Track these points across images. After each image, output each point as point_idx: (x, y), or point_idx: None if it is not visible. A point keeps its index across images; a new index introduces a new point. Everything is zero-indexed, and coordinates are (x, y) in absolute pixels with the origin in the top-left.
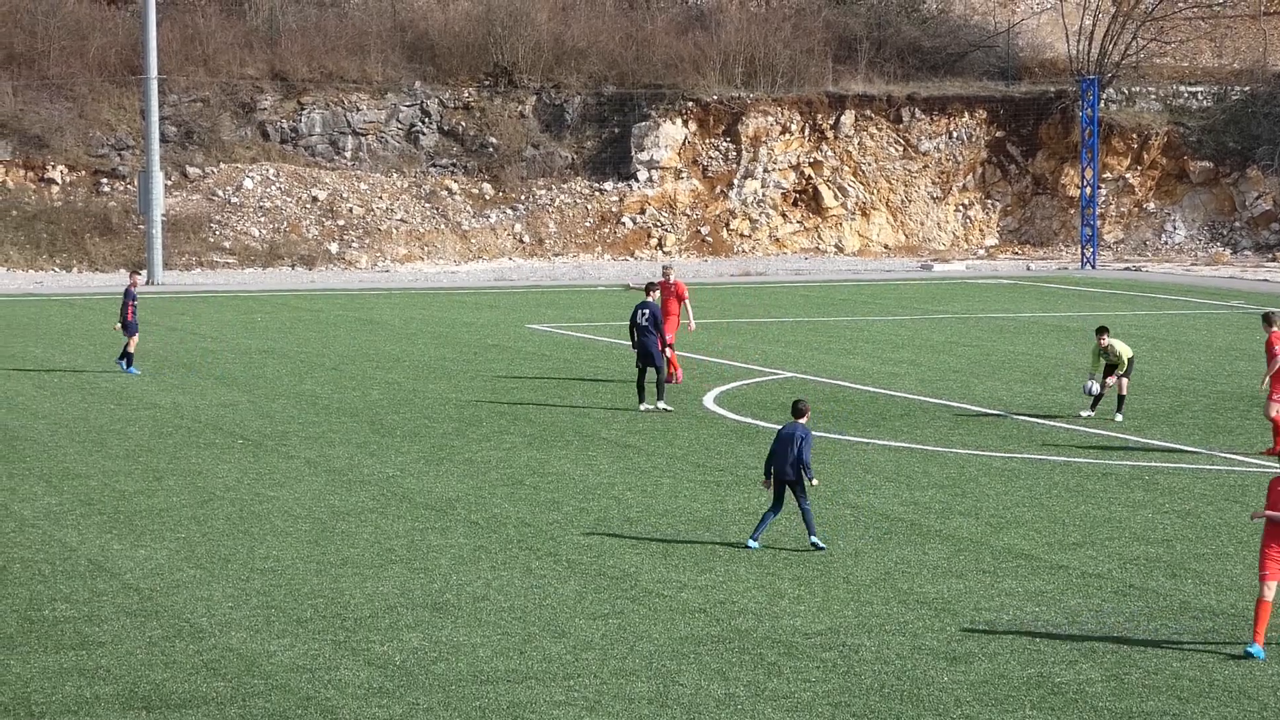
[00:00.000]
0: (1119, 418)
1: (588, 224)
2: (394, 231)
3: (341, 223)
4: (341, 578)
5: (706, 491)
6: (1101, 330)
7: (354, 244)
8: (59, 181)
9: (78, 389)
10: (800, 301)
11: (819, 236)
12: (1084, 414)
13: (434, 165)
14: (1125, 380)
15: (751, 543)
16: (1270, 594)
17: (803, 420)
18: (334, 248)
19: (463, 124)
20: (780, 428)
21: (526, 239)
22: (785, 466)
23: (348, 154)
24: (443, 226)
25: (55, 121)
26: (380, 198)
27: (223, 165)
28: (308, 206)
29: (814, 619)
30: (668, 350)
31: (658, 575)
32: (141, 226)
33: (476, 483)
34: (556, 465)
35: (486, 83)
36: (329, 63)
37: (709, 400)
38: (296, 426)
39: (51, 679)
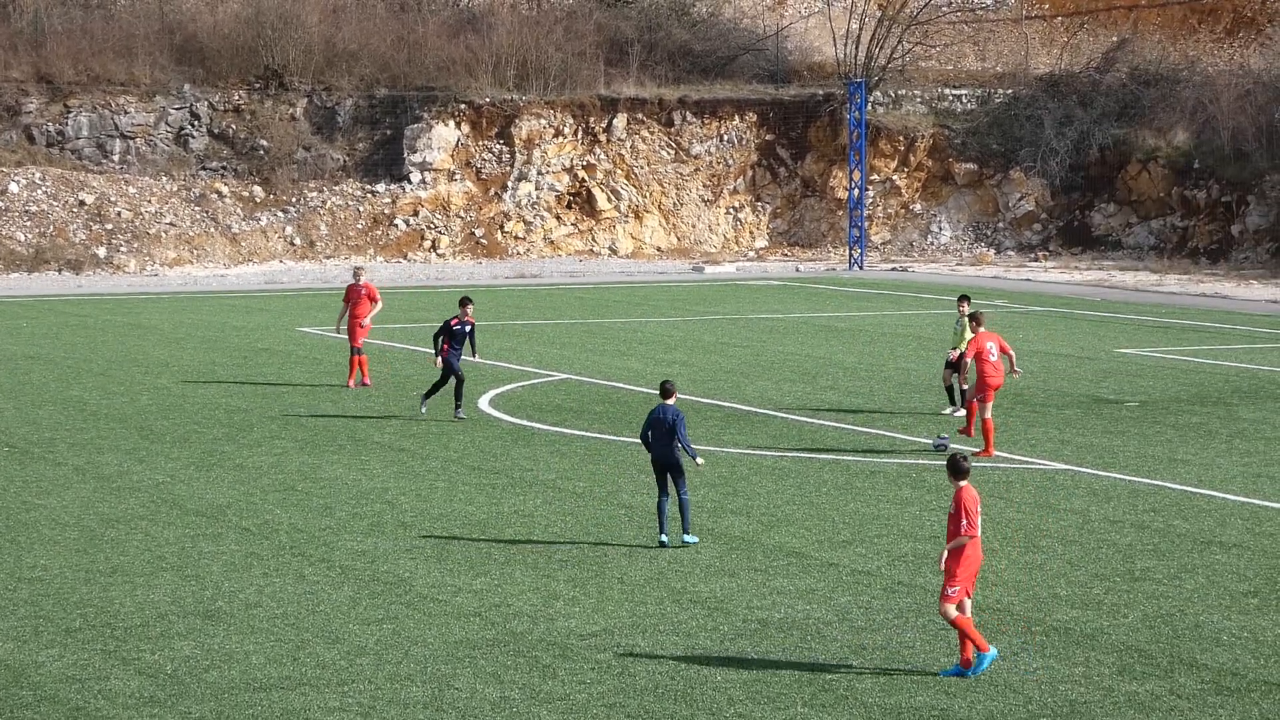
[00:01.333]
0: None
1: (360, 226)
2: (163, 235)
3: (110, 226)
4: (111, 586)
5: (482, 494)
6: (963, 298)
7: (122, 248)
8: None
9: None
10: (575, 303)
11: (593, 239)
12: (947, 411)
13: (204, 168)
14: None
15: (663, 539)
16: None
17: (671, 401)
18: (102, 252)
19: (233, 126)
20: (651, 411)
21: (298, 241)
22: (667, 450)
23: (116, 157)
24: (213, 230)
25: None
26: (149, 201)
27: None
28: (75, 210)
29: (589, 620)
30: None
31: (432, 579)
32: None
33: (248, 489)
34: (329, 470)
35: (257, 85)
36: (96, 65)
37: (484, 403)
38: (64, 433)
39: None
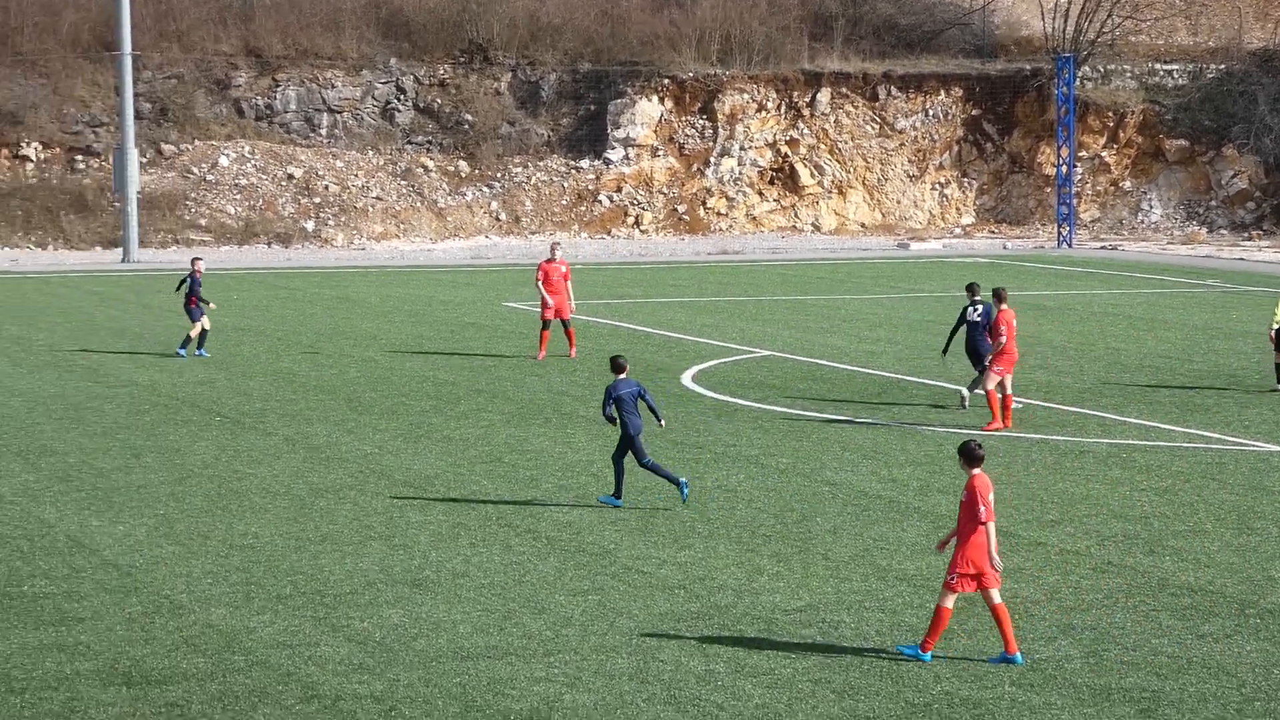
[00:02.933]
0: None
1: (564, 202)
2: (370, 209)
3: (317, 200)
4: (321, 554)
5: (684, 468)
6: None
7: (330, 222)
8: (33, 159)
9: (53, 366)
10: (777, 280)
11: (795, 215)
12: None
13: (409, 143)
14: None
15: (611, 502)
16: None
17: (625, 375)
18: (310, 225)
19: (438, 101)
20: (617, 390)
21: (503, 216)
22: (639, 422)
23: (323, 131)
24: (419, 204)
25: (29, 98)
26: (356, 175)
27: (198, 142)
28: (283, 184)
29: (793, 595)
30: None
31: (637, 552)
32: (117, 204)
33: (455, 460)
34: (535, 443)
35: (462, 59)
36: (304, 39)
37: (687, 379)
38: (274, 404)
39: (31, 655)
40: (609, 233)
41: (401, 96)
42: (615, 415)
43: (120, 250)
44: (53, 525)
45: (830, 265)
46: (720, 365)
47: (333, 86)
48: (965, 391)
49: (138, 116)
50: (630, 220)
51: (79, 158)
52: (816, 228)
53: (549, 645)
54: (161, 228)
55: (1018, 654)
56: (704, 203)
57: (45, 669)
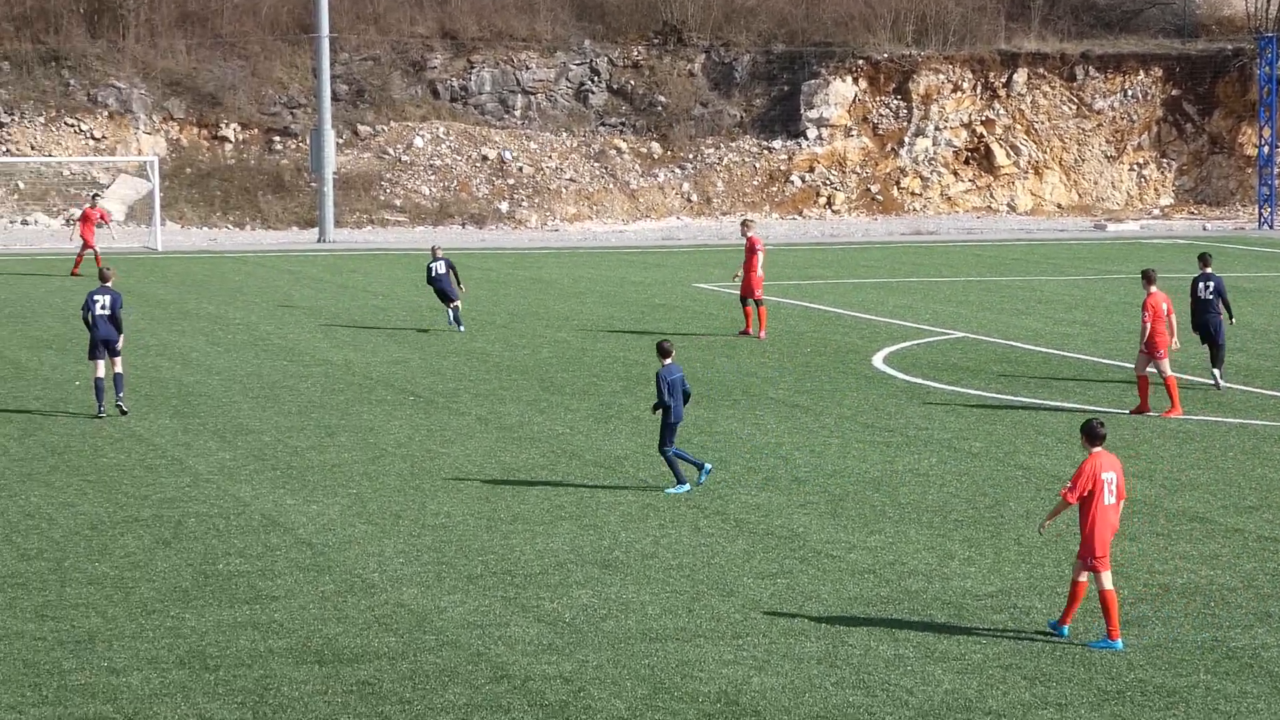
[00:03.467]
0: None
1: (756, 183)
2: (563, 190)
3: (511, 181)
4: (512, 534)
5: (875, 452)
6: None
7: (523, 203)
8: (232, 139)
9: (250, 345)
10: (972, 261)
11: (991, 195)
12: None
13: (603, 124)
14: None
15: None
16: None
17: (671, 360)
18: (504, 206)
19: (632, 82)
20: (670, 374)
21: (694, 198)
22: (682, 411)
23: (517, 113)
24: (611, 185)
25: (228, 80)
26: (549, 157)
27: (393, 124)
28: (478, 165)
29: (984, 581)
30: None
31: (826, 535)
32: (313, 184)
33: (644, 441)
34: (724, 424)
35: (655, 41)
36: (498, 21)
37: (878, 360)
38: (467, 384)
39: (226, 632)
40: (800, 213)
41: (595, 78)
42: (669, 402)
43: (316, 230)
44: (248, 504)
45: (1025, 246)
46: (912, 347)
47: (527, 68)
48: (1216, 373)
49: (334, 98)
50: (822, 200)
51: (276, 139)
52: (1012, 208)
53: (737, 628)
54: (357, 208)
55: (1119, 640)
56: (898, 183)
57: (240, 646)
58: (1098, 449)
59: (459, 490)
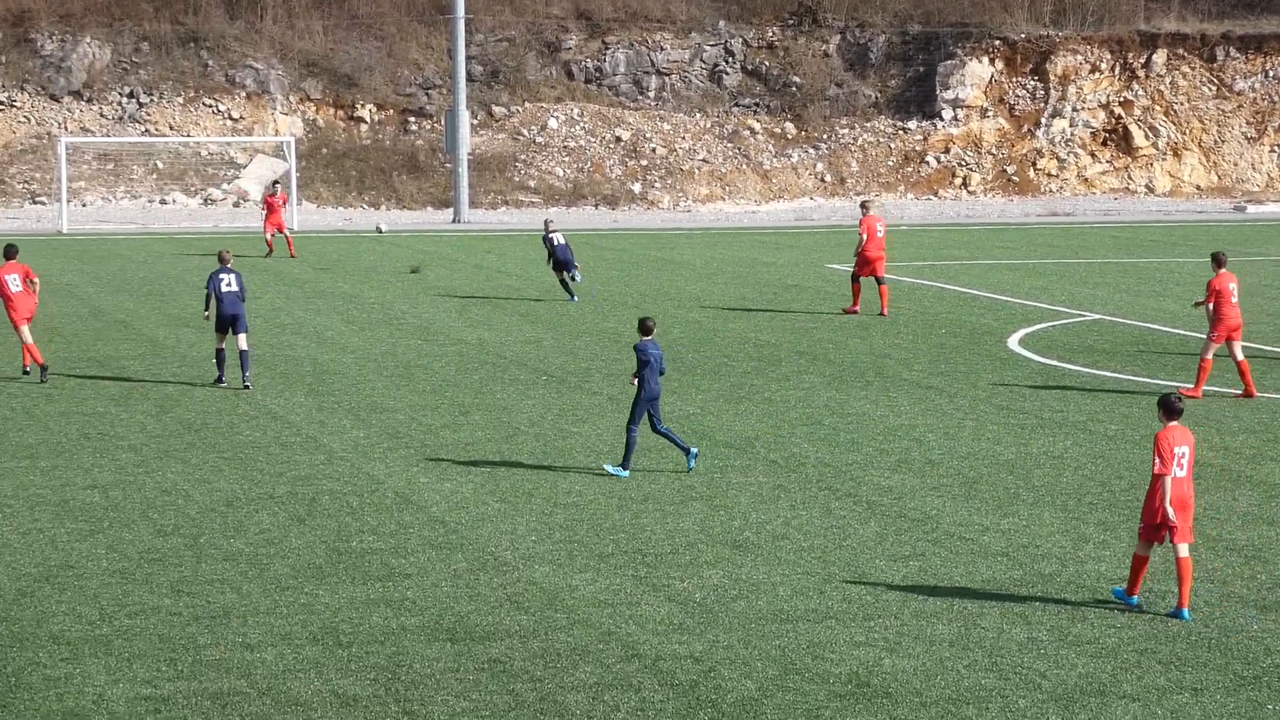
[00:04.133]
0: None
1: (890, 163)
2: (696, 171)
3: (644, 163)
4: (643, 514)
5: (1010, 435)
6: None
7: (656, 184)
8: (368, 120)
9: (385, 324)
10: (1108, 242)
11: (1129, 176)
12: None
13: (736, 105)
14: None
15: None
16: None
17: (652, 337)
18: (637, 188)
19: (766, 63)
20: (650, 348)
21: (828, 178)
22: (658, 388)
23: (651, 94)
24: (744, 166)
25: (364, 61)
26: (683, 138)
27: (528, 105)
28: (611, 146)
29: (1119, 565)
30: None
31: (959, 518)
32: (448, 165)
33: (776, 422)
34: (856, 406)
35: (790, 22)
36: (633, 2)
37: (1013, 342)
38: (599, 364)
39: (359, 609)
40: (935, 194)
41: (729, 59)
42: (645, 376)
43: (450, 210)
44: (381, 482)
45: (1164, 228)
46: (1048, 329)
47: (661, 49)
48: None
49: (469, 79)
50: (958, 181)
51: (412, 119)
52: (1150, 189)
53: (869, 610)
54: (491, 189)
55: (1186, 610)
56: (1034, 164)
57: (372, 623)
58: (1174, 423)
59: (590, 469)
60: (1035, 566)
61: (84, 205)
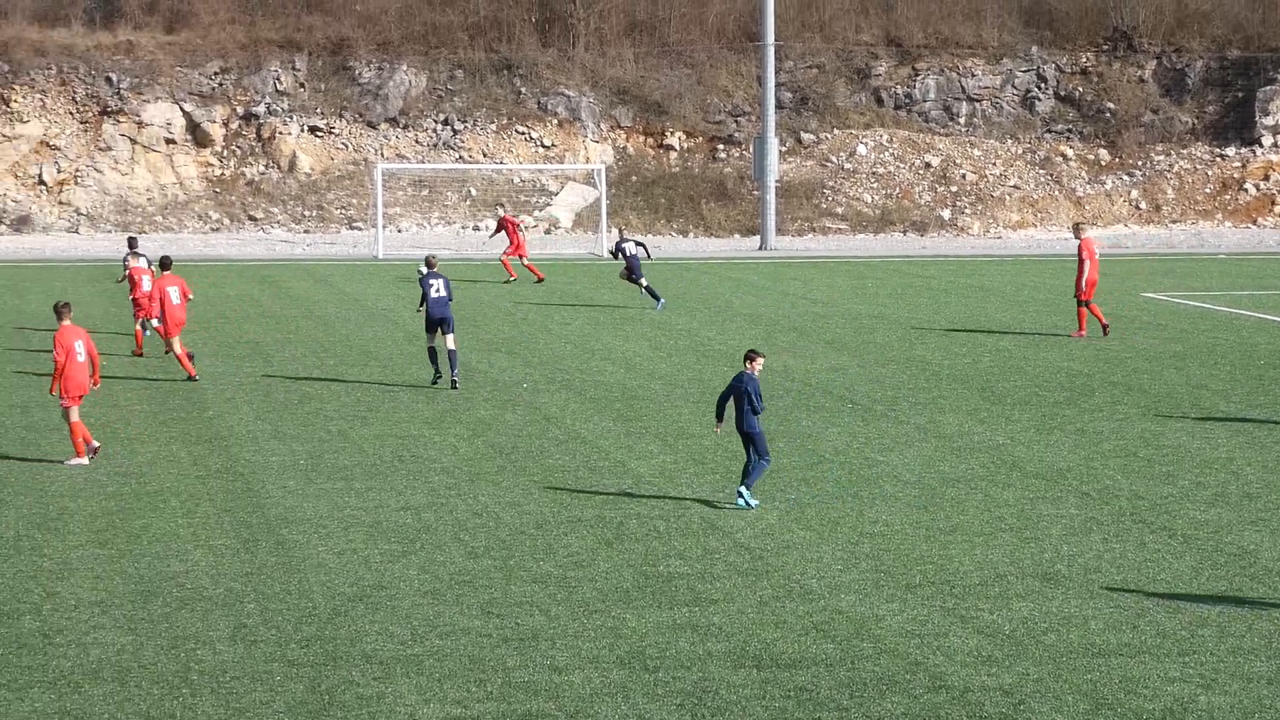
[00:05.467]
0: None
1: (1207, 190)
2: (1007, 198)
3: (954, 189)
4: (950, 544)
5: None
6: None
7: (966, 210)
8: (676, 147)
9: (692, 350)
10: None
11: None
12: None
13: (1049, 131)
14: None
15: (749, 500)
16: None
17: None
18: (946, 214)
19: (1079, 89)
20: (743, 381)
21: (1143, 205)
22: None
23: (961, 120)
24: (1056, 193)
25: (674, 88)
26: (993, 164)
27: (836, 131)
28: (920, 172)
29: None
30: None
31: (1278, 553)
32: (756, 192)
33: (1088, 453)
34: (1172, 438)
35: (1105, 47)
36: (944, 28)
37: None
38: (906, 392)
39: (665, 634)
40: (1254, 222)
41: (1042, 85)
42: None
43: (758, 238)
44: (688, 506)
45: None
46: None
47: (972, 75)
48: None
49: (778, 106)
50: (1278, 209)
51: (720, 146)
52: None
53: (1184, 645)
54: (798, 215)
55: None
56: None
57: (679, 648)
58: None
59: (897, 499)
60: None
61: (399, 231)
